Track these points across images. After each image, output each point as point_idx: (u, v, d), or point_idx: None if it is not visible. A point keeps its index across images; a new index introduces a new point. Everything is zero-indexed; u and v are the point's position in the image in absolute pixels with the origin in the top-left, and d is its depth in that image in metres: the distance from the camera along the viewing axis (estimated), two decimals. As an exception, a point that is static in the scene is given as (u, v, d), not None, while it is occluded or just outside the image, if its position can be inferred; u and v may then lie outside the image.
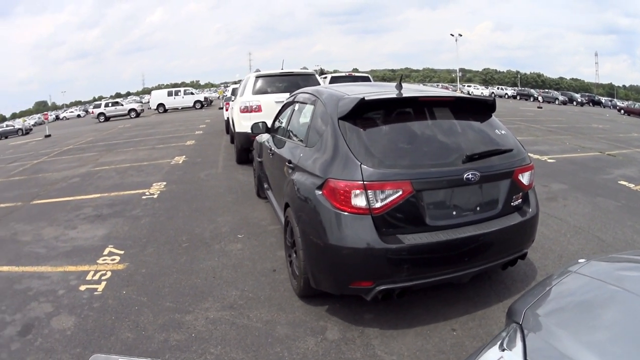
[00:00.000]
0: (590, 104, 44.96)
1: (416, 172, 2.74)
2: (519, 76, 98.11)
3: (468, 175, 2.77)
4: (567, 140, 12.85)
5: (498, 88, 59.66)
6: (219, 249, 4.69)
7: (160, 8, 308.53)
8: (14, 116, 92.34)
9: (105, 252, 4.87)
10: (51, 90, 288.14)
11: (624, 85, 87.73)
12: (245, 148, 8.53)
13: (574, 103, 44.89)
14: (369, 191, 2.65)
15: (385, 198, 2.67)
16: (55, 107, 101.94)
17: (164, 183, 8.00)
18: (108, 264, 4.55)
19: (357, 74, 15.24)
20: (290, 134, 4.23)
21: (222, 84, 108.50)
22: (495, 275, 3.71)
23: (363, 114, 3.01)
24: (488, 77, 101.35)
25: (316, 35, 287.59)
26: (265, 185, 5.56)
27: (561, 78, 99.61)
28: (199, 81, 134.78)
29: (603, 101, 46.22)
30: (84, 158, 12.60)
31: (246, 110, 8.07)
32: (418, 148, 2.94)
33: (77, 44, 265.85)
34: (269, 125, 5.25)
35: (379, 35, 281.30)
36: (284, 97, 7.65)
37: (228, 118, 13.42)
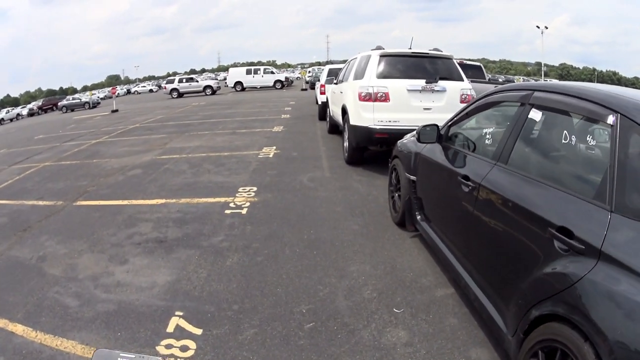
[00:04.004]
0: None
1: None
2: (595, 74, 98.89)
3: None
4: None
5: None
6: (369, 340, 2.94)
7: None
8: (85, 89, 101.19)
9: (171, 327, 3.14)
10: (124, 65, 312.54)
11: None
12: (362, 147, 7.55)
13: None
14: None
15: None
16: (127, 81, 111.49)
17: (254, 188, 6.44)
18: (177, 359, 2.76)
19: (467, 62, 13.93)
20: (525, 164, 2.85)
21: (298, 64, 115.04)
22: None
23: None
24: (564, 73, 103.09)
25: (394, 21, 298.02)
26: (419, 216, 4.31)
27: (636, 78, 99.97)
28: (275, 61, 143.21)
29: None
30: (150, 141, 11.81)
31: (368, 98, 6.95)
32: None
33: (153, 20, 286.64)
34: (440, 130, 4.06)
35: (457, 24, 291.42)
36: (419, 84, 6.92)
37: (323, 102, 12.85)
